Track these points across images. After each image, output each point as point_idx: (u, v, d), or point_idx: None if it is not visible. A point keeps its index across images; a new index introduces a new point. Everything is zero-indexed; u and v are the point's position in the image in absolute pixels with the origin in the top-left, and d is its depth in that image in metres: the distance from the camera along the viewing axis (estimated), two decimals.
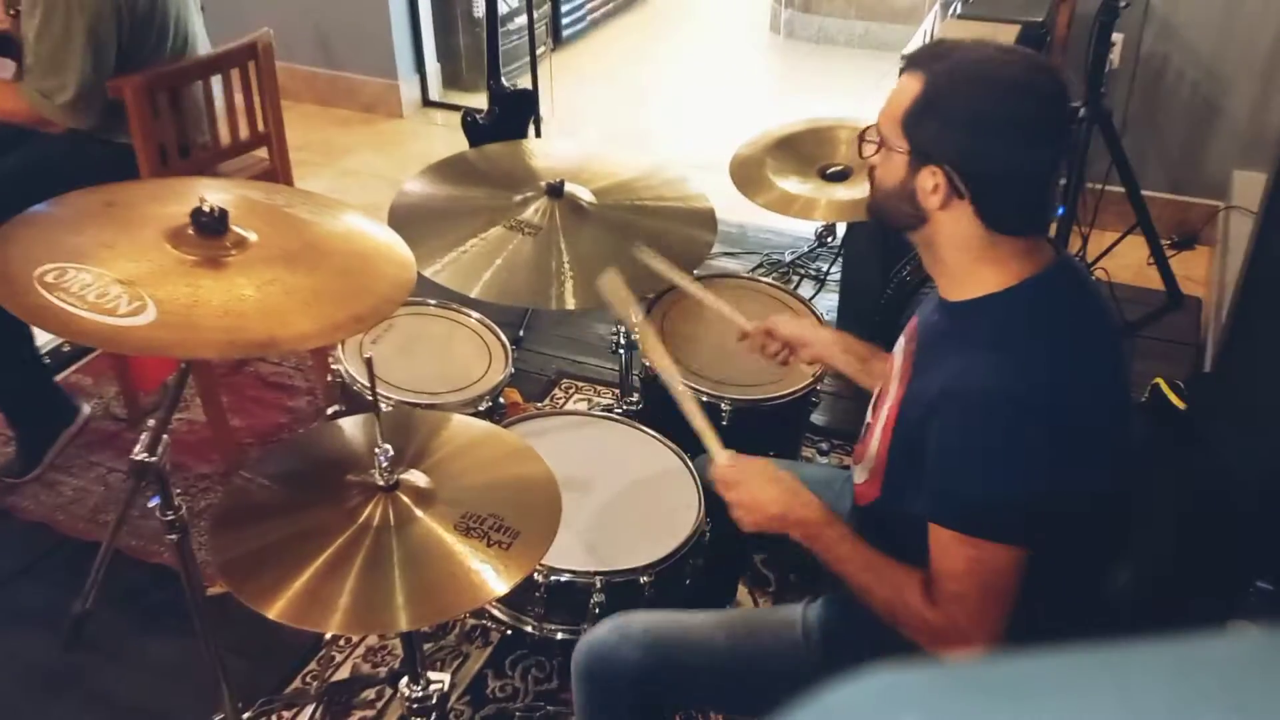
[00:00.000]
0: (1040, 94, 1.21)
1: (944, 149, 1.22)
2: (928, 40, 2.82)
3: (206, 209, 1.38)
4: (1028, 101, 1.20)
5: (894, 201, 1.29)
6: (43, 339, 2.72)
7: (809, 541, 1.37)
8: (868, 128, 1.34)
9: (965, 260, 1.27)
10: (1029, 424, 1.19)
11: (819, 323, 2.01)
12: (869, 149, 1.34)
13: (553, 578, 1.68)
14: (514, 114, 3.60)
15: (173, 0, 2.40)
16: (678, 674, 1.47)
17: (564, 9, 5.33)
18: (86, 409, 2.72)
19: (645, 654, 1.46)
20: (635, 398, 2.29)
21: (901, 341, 1.43)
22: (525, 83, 3.72)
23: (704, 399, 2.02)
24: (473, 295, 1.82)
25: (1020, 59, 1.22)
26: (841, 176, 2.30)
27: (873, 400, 1.48)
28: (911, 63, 1.27)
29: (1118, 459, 1.29)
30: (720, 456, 1.46)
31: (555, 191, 1.97)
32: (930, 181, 1.24)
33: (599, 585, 1.67)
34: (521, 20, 4.52)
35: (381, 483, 1.43)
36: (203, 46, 2.54)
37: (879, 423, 1.38)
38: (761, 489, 1.40)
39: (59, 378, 2.88)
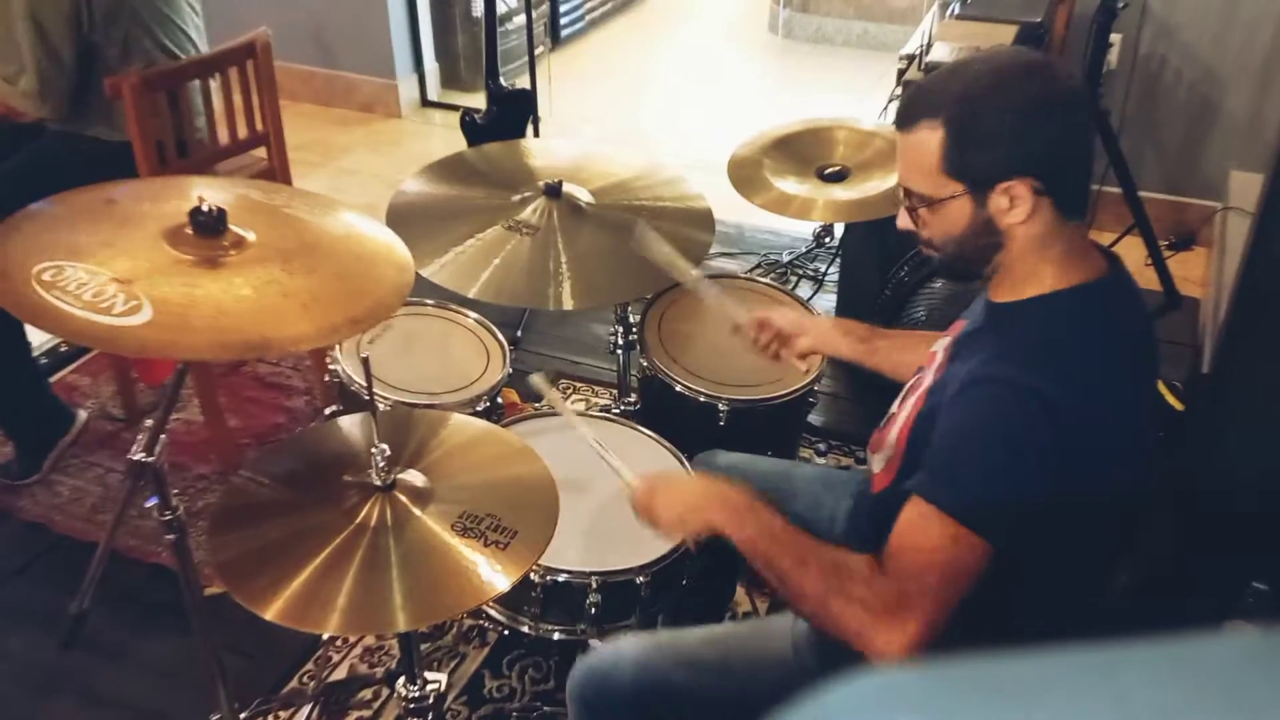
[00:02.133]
0: (1037, 67, 1.22)
1: (1005, 164, 1.20)
2: (926, 40, 2.82)
3: (205, 209, 1.38)
4: (1034, 77, 1.20)
5: (969, 244, 1.26)
6: (40, 339, 2.72)
7: (739, 523, 1.30)
8: (905, 205, 1.30)
9: (1031, 263, 1.25)
10: (1053, 426, 1.17)
11: (811, 313, 1.96)
12: (909, 217, 1.30)
13: (549, 578, 1.68)
14: (512, 114, 3.60)
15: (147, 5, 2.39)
16: (672, 696, 1.46)
17: (562, 8, 5.33)
18: (82, 415, 2.71)
19: (638, 678, 1.46)
20: (633, 398, 2.29)
21: (945, 340, 1.41)
22: (523, 82, 3.72)
23: (701, 398, 2.02)
24: (470, 295, 1.82)
25: (998, 53, 1.25)
26: (839, 177, 2.30)
27: (902, 392, 1.46)
28: (909, 119, 1.24)
29: (1131, 468, 1.27)
30: (631, 478, 1.44)
31: (553, 191, 1.97)
32: (1005, 200, 1.21)
33: (595, 585, 1.67)
34: (520, 20, 4.52)
35: (379, 482, 1.43)
36: (200, 47, 2.53)
37: (904, 412, 1.38)
38: (678, 485, 1.41)
39: (56, 378, 2.88)
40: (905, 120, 1.25)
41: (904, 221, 1.32)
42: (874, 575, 1.21)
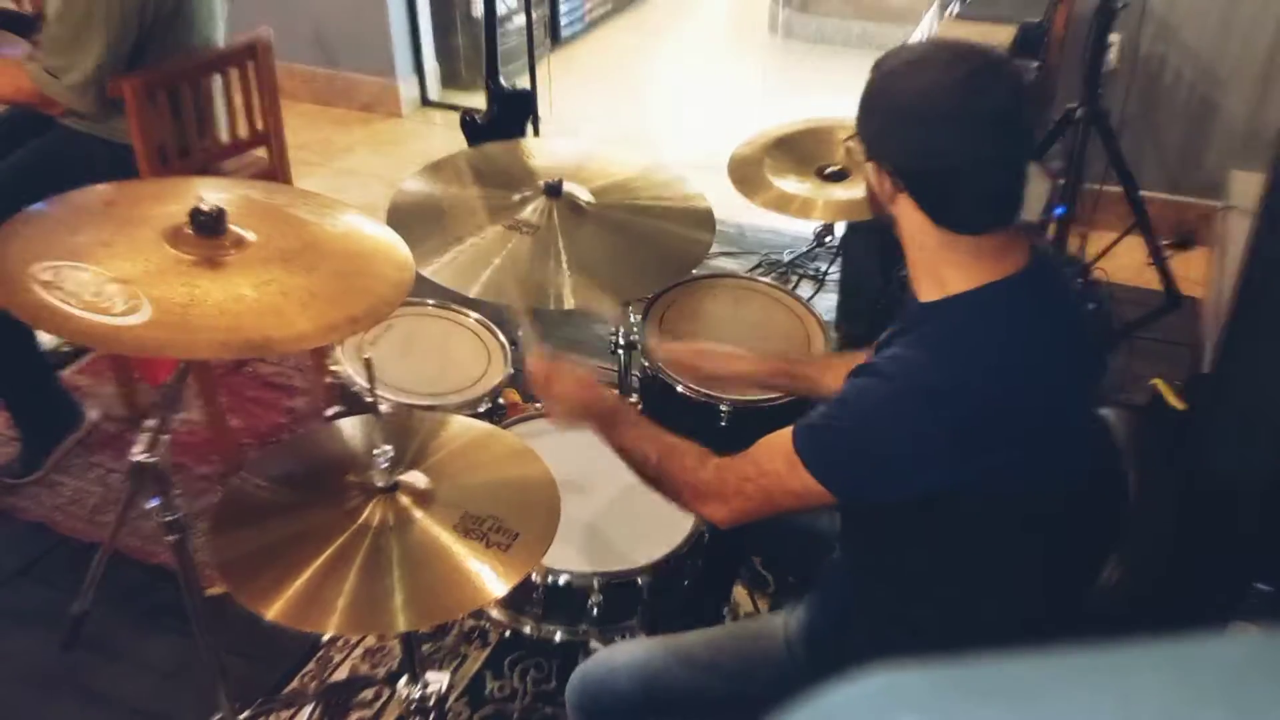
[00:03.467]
0: (974, 88, 1.17)
1: (882, 145, 1.24)
2: (924, 40, 2.82)
3: (205, 208, 1.38)
4: (956, 95, 1.17)
5: (873, 199, 1.32)
6: (42, 339, 2.72)
7: (606, 425, 1.48)
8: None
9: (925, 259, 1.27)
10: (933, 413, 1.19)
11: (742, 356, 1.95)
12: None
13: (551, 579, 1.68)
14: (512, 114, 3.59)
15: (202, 3, 2.40)
16: (668, 698, 1.47)
17: (562, 8, 5.33)
18: (93, 415, 2.71)
19: (634, 683, 1.47)
20: (634, 398, 2.29)
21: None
22: (524, 82, 3.72)
23: (702, 399, 2.02)
24: (471, 295, 1.82)
25: (961, 54, 1.19)
26: (839, 176, 2.30)
27: None
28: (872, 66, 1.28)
29: (1070, 461, 1.28)
30: (534, 354, 1.59)
31: (553, 191, 1.97)
32: (876, 176, 1.26)
33: (597, 586, 1.67)
34: (520, 20, 4.52)
35: (381, 484, 1.43)
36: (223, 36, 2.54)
37: None
38: (563, 385, 1.53)
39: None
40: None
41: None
42: (704, 463, 1.37)
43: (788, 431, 1.28)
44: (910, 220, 1.25)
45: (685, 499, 1.39)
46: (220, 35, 2.52)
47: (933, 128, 1.19)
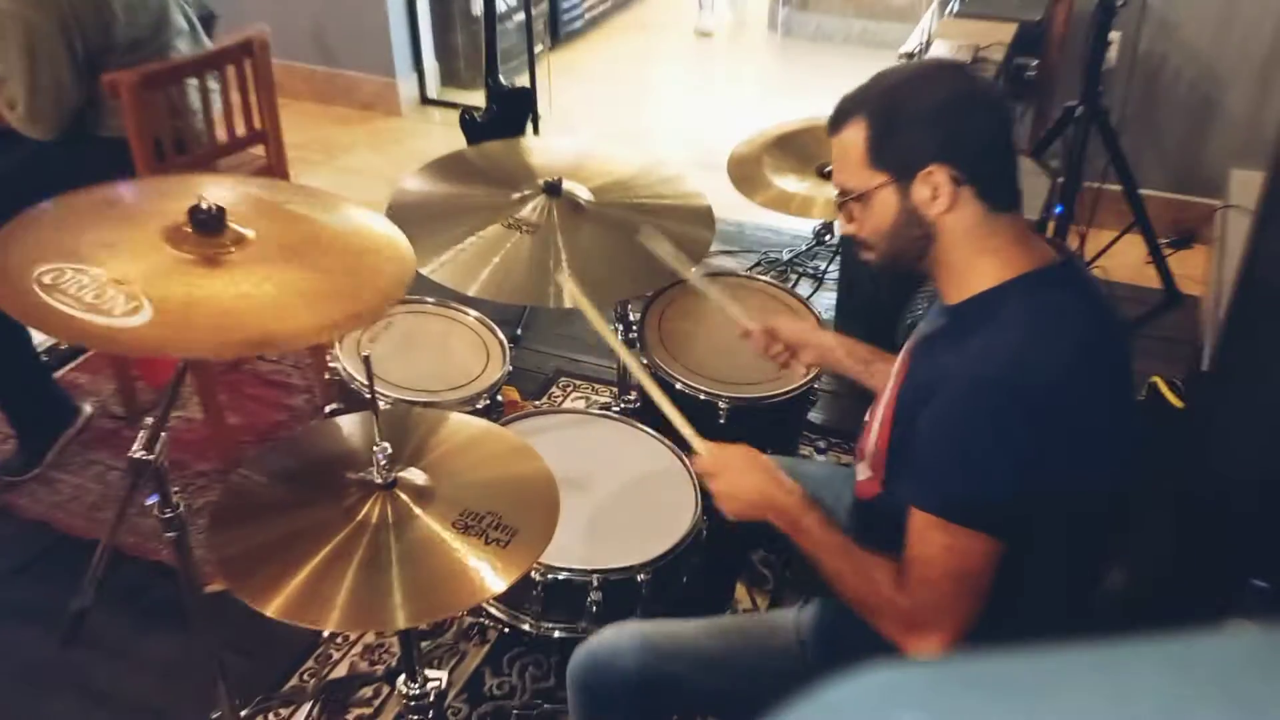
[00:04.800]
0: (977, 81, 1.34)
1: (924, 150, 1.24)
2: (925, 38, 2.82)
3: (204, 207, 1.38)
4: (950, 76, 1.30)
5: (900, 237, 1.29)
6: (40, 336, 2.72)
7: (789, 527, 1.37)
8: (839, 203, 1.34)
9: (968, 255, 1.28)
10: (1017, 414, 1.18)
11: (818, 325, 1.98)
12: (845, 216, 1.34)
13: (550, 576, 1.68)
14: (512, 112, 3.59)
15: (135, 7, 2.38)
16: (673, 684, 1.47)
17: (562, 6, 5.33)
18: (87, 409, 2.72)
19: (640, 665, 1.46)
20: (633, 396, 2.29)
21: (907, 345, 1.43)
22: (523, 81, 3.72)
23: (702, 396, 2.02)
24: (470, 293, 1.82)
25: (940, 62, 1.37)
26: None
27: (874, 402, 1.48)
28: (837, 122, 1.30)
29: (1115, 461, 1.28)
30: (700, 448, 1.46)
31: (553, 189, 1.97)
32: (927, 190, 1.24)
33: (596, 583, 1.68)
34: (519, 18, 4.52)
35: (380, 481, 1.43)
36: (192, 43, 2.53)
37: (876, 420, 1.39)
38: (742, 476, 1.41)
39: (56, 375, 2.88)
40: (834, 124, 1.32)
41: (843, 225, 1.36)
42: (898, 591, 1.26)
43: (913, 512, 1.23)
44: (961, 218, 1.25)
45: (889, 630, 1.27)
46: (178, 33, 2.50)
47: (974, 113, 1.27)
